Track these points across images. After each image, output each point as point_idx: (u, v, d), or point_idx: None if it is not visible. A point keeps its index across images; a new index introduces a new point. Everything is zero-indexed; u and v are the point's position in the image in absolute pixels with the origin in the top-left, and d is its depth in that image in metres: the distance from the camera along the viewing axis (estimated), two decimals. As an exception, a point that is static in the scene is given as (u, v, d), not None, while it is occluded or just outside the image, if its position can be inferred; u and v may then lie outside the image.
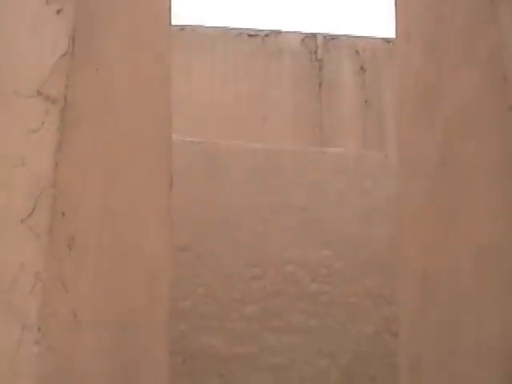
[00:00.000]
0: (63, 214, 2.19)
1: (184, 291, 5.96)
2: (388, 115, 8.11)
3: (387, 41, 8.51)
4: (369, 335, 6.10)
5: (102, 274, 2.64)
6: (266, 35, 8.64)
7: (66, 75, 2.24)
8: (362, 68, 8.51)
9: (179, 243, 5.83)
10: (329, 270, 6.20)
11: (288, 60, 8.52)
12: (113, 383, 2.80)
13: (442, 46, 3.38)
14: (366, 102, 8.39)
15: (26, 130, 2.17)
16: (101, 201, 2.65)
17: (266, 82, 8.40)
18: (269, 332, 6.05)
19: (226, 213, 6.20)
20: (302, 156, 6.46)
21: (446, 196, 3.26)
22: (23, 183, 2.11)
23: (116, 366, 2.86)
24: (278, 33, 8.66)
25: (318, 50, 8.57)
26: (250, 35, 8.62)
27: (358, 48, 8.58)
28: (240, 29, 8.69)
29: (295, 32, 8.71)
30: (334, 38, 8.65)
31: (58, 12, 2.31)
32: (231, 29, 8.68)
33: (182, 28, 8.46)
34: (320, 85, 8.44)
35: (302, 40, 8.62)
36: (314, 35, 8.66)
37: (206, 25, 8.70)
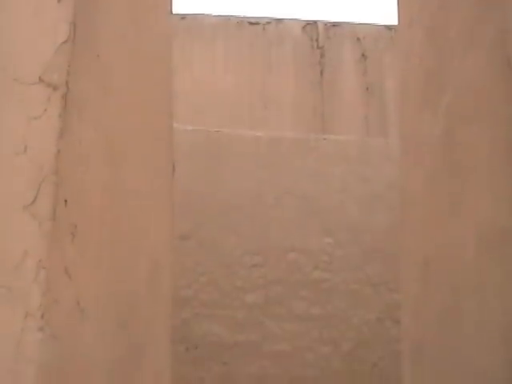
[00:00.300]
0: (66, 201, 2.18)
1: (186, 279, 5.97)
2: (389, 102, 8.10)
3: (388, 28, 8.49)
4: (371, 322, 6.12)
5: (104, 262, 2.64)
6: (267, 23, 8.62)
7: (67, 62, 2.24)
8: (363, 55, 8.50)
9: (181, 231, 5.83)
10: (330, 258, 6.20)
11: (289, 48, 8.50)
12: (115, 371, 2.81)
13: (444, 32, 3.37)
14: (367, 89, 8.38)
15: (27, 117, 2.16)
16: (103, 188, 2.65)
17: (267, 69, 8.39)
18: (271, 320, 6.07)
19: (227, 201, 6.20)
20: (303, 143, 6.45)
21: (447, 183, 3.26)
22: (25, 170, 2.11)
23: (118, 353, 2.87)
24: (278, 20, 8.64)
25: (319, 37, 8.55)
26: (250, 23, 8.60)
27: (359, 35, 8.56)
28: (241, 17, 8.67)
29: (296, 20, 8.69)
30: (335, 25, 8.63)
31: (59, -1, 2.30)
32: (232, 17, 8.65)
33: (183, 17, 8.45)
34: (321, 72, 8.43)
35: (303, 27, 8.60)
36: (314, 23, 8.64)
37: (207, 13, 8.68)
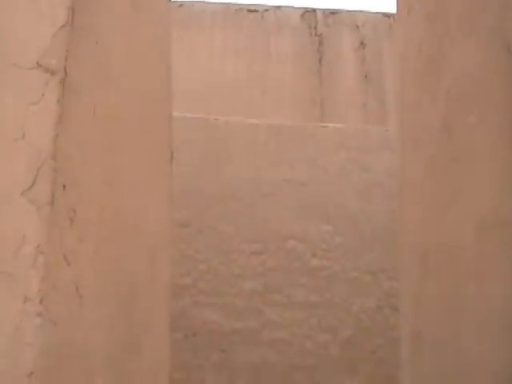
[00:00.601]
0: (64, 186, 2.18)
1: (185, 267, 5.97)
2: (388, 90, 8.09)
3: (387, 15, 8.47)
4: (370, 310, 6.12)
5: (103, 248, 2.64)
6: (266, 10, 8.59)
7: (65, 47, 2.23)
8: (362, 43, 8.47)
9: (180, 219, 5.83)
10: (329, 245, 6.21)
11: (288, 35, 8.48)
12: (113, 357, 2.81)
13: (443, 19, 3.35)
14: (366, 77, 8.36)
15: (25, 103, 2.15)
16: (101, 174, 2.64)
17: (265, 57, 8.37)
18: (270, 307, 6.07)
19: (226, 188, 6.20)
20: (302, 131, 6.44)
21: (447, 170, 3.25)
22: (24, 156, 2.11)
23: (117, 340, 2.87)
24: (277, 8, 8.62)
25: (317, 25, 8.53)
26: (249, 10, 8.57)
27: (357, 23, 8.54)
28: (239, 4, 8.64)
29: (295, 7, 8.66)
30: (333, 12, 8.61)
31: (57, -17, 2.28)
32: (230, 4, 8.63)
33: (181, 4, 8.42)
34: (320, 60, 8.41)
35: (302, 15, 8.57)
36: (313, 10, 8.62)
37: (206, 0, 8.65)
